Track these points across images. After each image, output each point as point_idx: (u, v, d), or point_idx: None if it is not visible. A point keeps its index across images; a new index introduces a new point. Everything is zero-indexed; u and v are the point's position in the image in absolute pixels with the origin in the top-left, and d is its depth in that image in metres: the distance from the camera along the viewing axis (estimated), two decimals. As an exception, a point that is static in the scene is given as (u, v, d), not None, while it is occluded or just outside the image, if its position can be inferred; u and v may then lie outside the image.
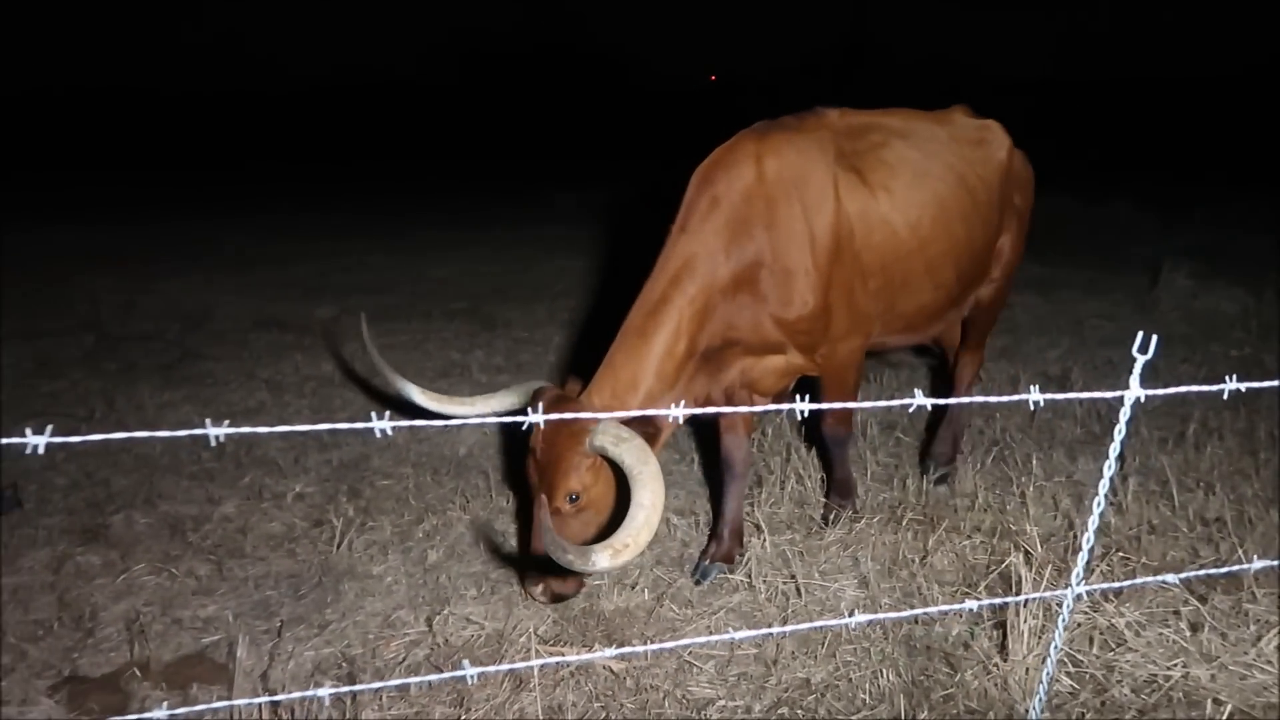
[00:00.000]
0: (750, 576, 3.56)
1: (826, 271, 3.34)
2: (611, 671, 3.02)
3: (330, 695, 2.14)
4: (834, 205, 3.35)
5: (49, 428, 1.46)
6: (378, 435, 2.01)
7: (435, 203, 12.48)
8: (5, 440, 1.34)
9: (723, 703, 2.92)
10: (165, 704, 2.77)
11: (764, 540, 3.72)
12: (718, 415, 3.62)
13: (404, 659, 3.15)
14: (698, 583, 3.58)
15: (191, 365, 5.88)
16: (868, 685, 2.97)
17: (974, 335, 4.41)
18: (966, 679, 2.98)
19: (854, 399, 3.70)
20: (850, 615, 3.21)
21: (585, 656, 3.01)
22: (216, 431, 1.51)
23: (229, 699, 2.83)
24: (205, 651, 3.19)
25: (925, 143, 3.77)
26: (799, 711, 2.88)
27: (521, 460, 3.21)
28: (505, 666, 2.13)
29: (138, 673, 3.03)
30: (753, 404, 3.63)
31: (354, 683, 2.98)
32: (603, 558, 2.60)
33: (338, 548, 3.76)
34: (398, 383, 3.28)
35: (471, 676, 1.78)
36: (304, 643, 3.22)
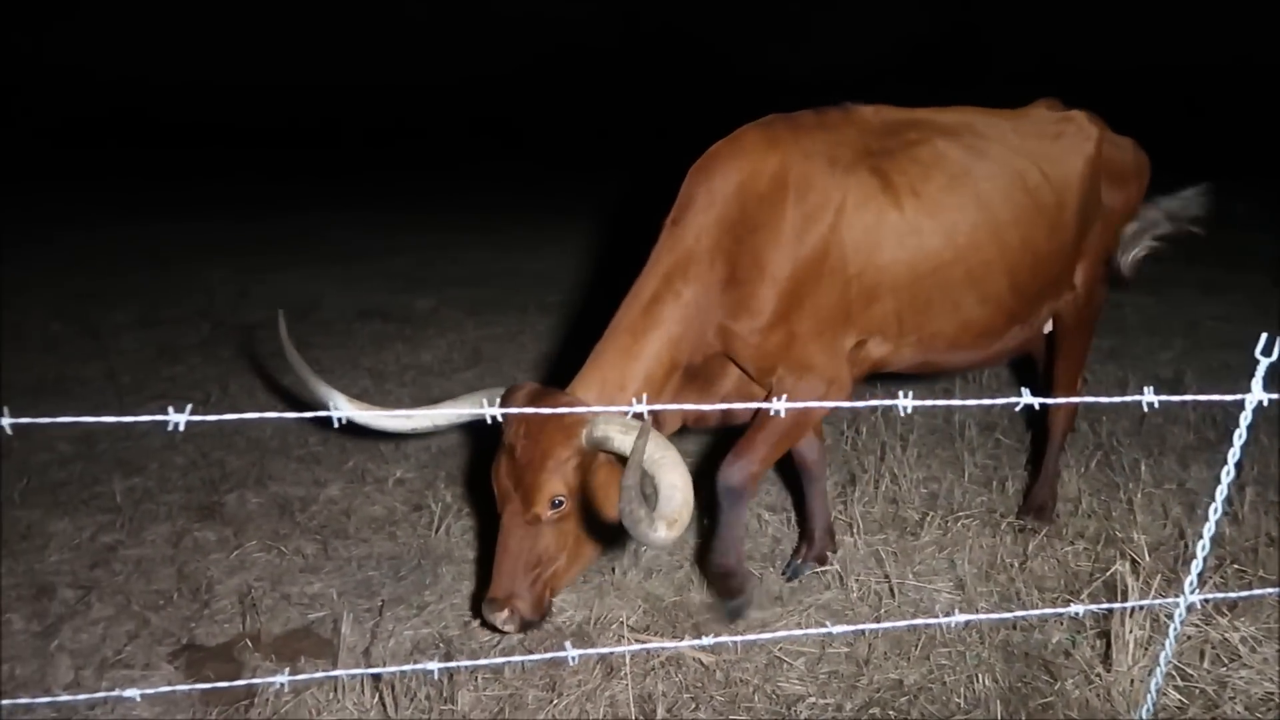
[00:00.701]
0: (842, 575, 3.53)
1: (796, 288, 2.99)
2: (701, 664, 3.04)
3: (435, 670, 2.21)
4: (831, 220, 3.01)
5: (188, 407, 1.56)
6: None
7: (531, 197, 12.67)
8: (149, 417, 1.43)
9: (813, 700, 2.90)
10: (279, 673, 2.91)
11: (856, 539, 3.68)
12: (747, 409, 3.20)
13: (498, 643, 3.23)
14: (789, 579, 3.55)
15: (300, 353, 6.11)
16: (963, 689, 2.92)
17: (1062, 366, 3.83)
18: (1067, 688, 2.90)
19: (776, 451, 3.16)
20: (947, 616, 3.19)
21: (679, 643, 3.03)
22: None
23: (334, 673, 2.95)
24: (311, 626, 3.33)
25: (976, 140, 3.37)
26: (891, 712, 2.85)
27: (490, 462, 2.98)
28: (603, 650, 2.17)
29: (249, 644, 3.18)
30: (746, 418, 3.26)
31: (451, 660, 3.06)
32: (660, 528, 2.37)
33: (436, 532, 3.88)
34: (319, 389, 2.95)
35: (572, 658, 1.82)
36: (404, 622, 3.33)
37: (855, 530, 3.73)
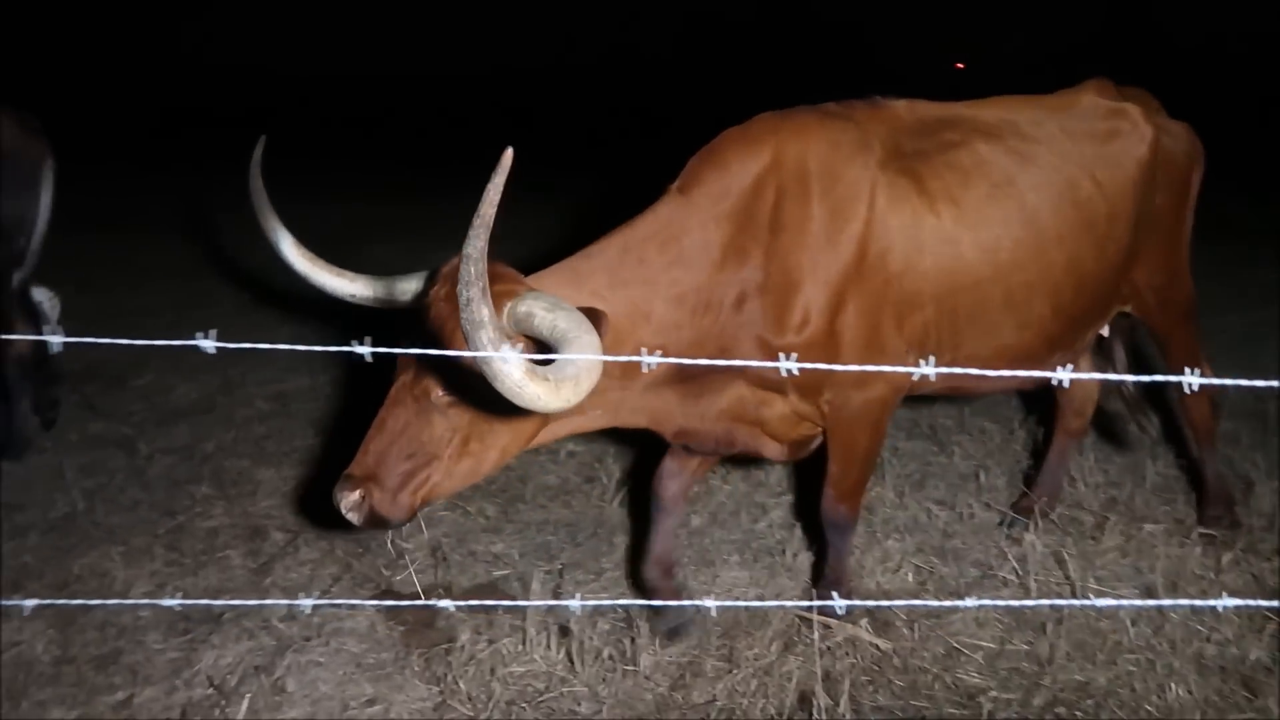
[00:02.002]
0: (1019, 574, 3.48)
1: (839, 291, 2.71)
2: (878, 648, 3.06)
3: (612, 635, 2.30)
4: (865, 213, 2.72)
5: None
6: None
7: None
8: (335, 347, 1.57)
9: (994, 694, 2.88)
10: (469, 622, 3.10)
11: (1035, 539, 3.61)
12: (752, 437, 2.95)
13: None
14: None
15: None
16: (1154, 698, 2.84)
17: (1173, 367, 3.50)
18: (1269, 705, 2.79)
19: (865, 469, 3.04)
20: (1132, 624, 3.11)
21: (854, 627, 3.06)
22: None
23: (523, 627, 3.12)
24: (497, 583, 3.52)
25: (1021, 142, 3.04)
26: (1077, 713, 2.81)
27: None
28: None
29: (442, 593, 3.39)
30: (763, 444, 2.98)
31: (630, 628, 3.18)
32: (536, 384, 1.94)
33: (610, 503, 4.01)
34: (273, 230, 2.73)
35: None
36: (583, 586, 3.47)
37: (1035, 529, 3.66)
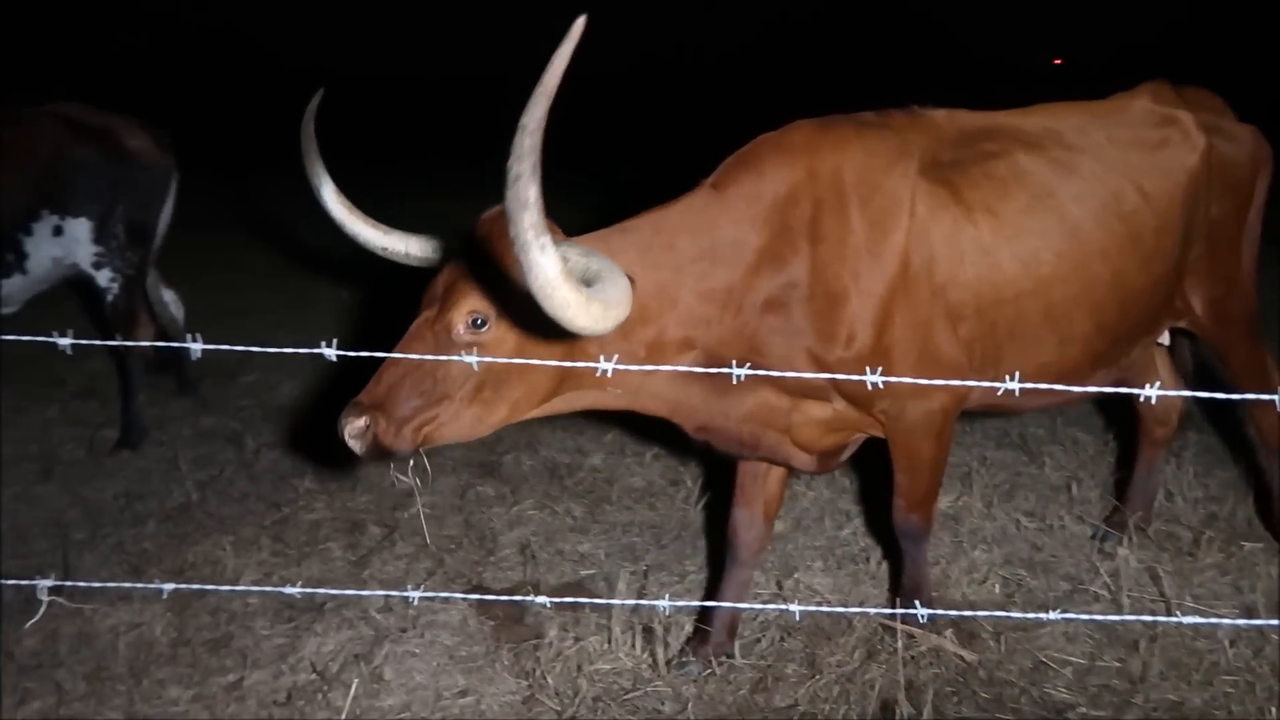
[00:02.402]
0: (1111, 589, 3.41)
1: (887, 302, 2.65)
2: (963, 659, 3.04)
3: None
4: (906, 222, 2.66)
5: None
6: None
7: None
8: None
9: (1083, 710, 2.85)
10: (557, 619, 3.19)
11: (1129, 555, 3.54)
12: (780, 446, 2.87)
13: (756, 617, 3.36)
14: (682, 669, 3.07)
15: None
16: (1252, 721, 2.77)
17: (1241, 379, 3.38)
18: (1378, 735, 2.69)
19: (933, 479, 2.99)
20: (1231, 645, 3.03)
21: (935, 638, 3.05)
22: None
23: (608, 626, 3.20)
24: (583, 582, 3.61)
25: (1064, 153, 2.94)
26: (1170, 733, 2.75)
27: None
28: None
29: (530, 590, 3.50)
30: (790, 454, 2.91)
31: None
32: (569, 288, 1.96)
33: (695, 507, 4.07)
34: (316, 175, 2.70)
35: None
36: (667, 587, 3.54)
37: (1128, 544, 3.58)
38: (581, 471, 4.42)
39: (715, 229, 2.63)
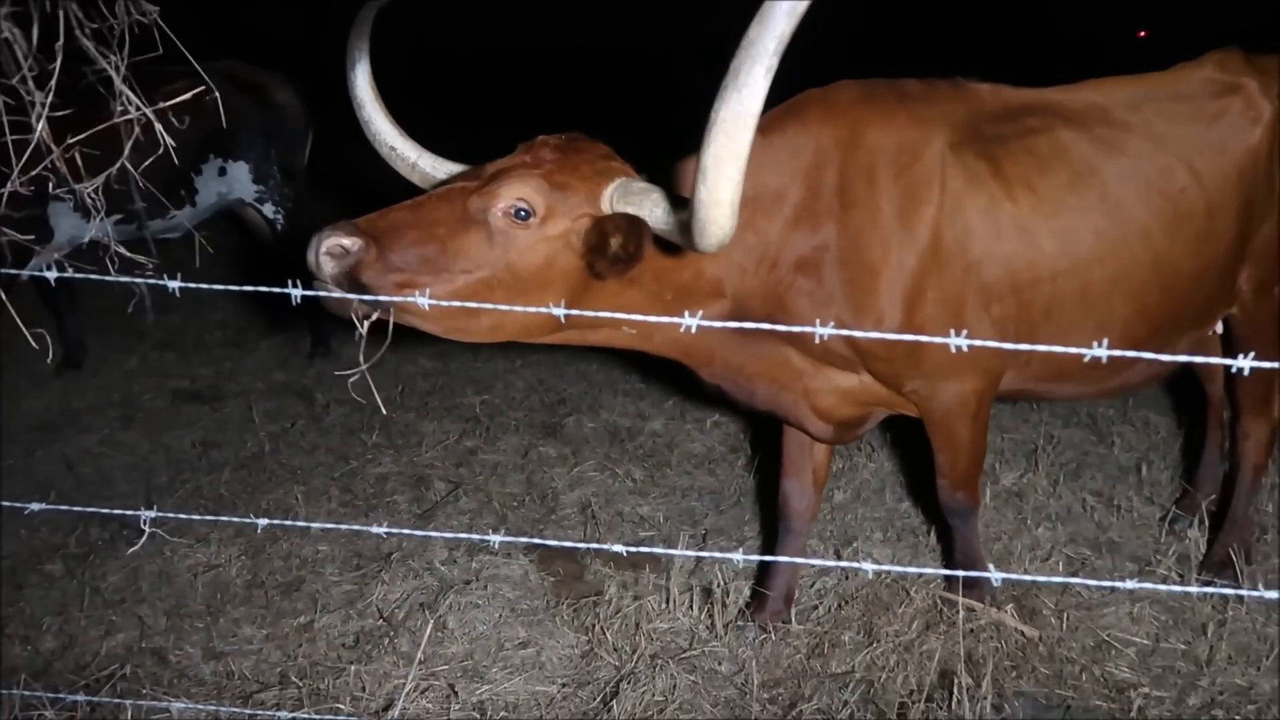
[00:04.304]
0: (1180, 573, 3.35)
1: (918, 278, 2.57)
2: (1023, 635, 3.02)
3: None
4: (939, 195, 2.57)
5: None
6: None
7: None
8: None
9: (1145, 690, 2.81)
10: (617, 581, 3.24)
11: (1199, 537, 3.46)
12: (789, 396, 2.78)
13: (813, 584, 3.37)
14: (746, 639, 3.08)
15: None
16: (1324, 708, 2.71)
17: (1247, 394, 3.23)
18: None
19: (974, 457, 2.94)
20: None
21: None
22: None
23: (666, 586, 3.24)
24: (643, 543, 3.64)
25: (1110, 130, 2.78)
26: (1235, 717, 2.71)
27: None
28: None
29: (591, 549, 3.55)
30: (805, 418, 2.85)
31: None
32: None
33: (753, 474, 4.09)
34: (356, 50, 2.53)
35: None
36: (725, 551, 3.56)
37: (1199, 526, 3.51)
38: (642, 435, 4.46)
39: (761, 175, 2.45)
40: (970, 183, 2.62)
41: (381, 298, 2.15)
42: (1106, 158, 2.76)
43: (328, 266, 2.12)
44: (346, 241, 2.11)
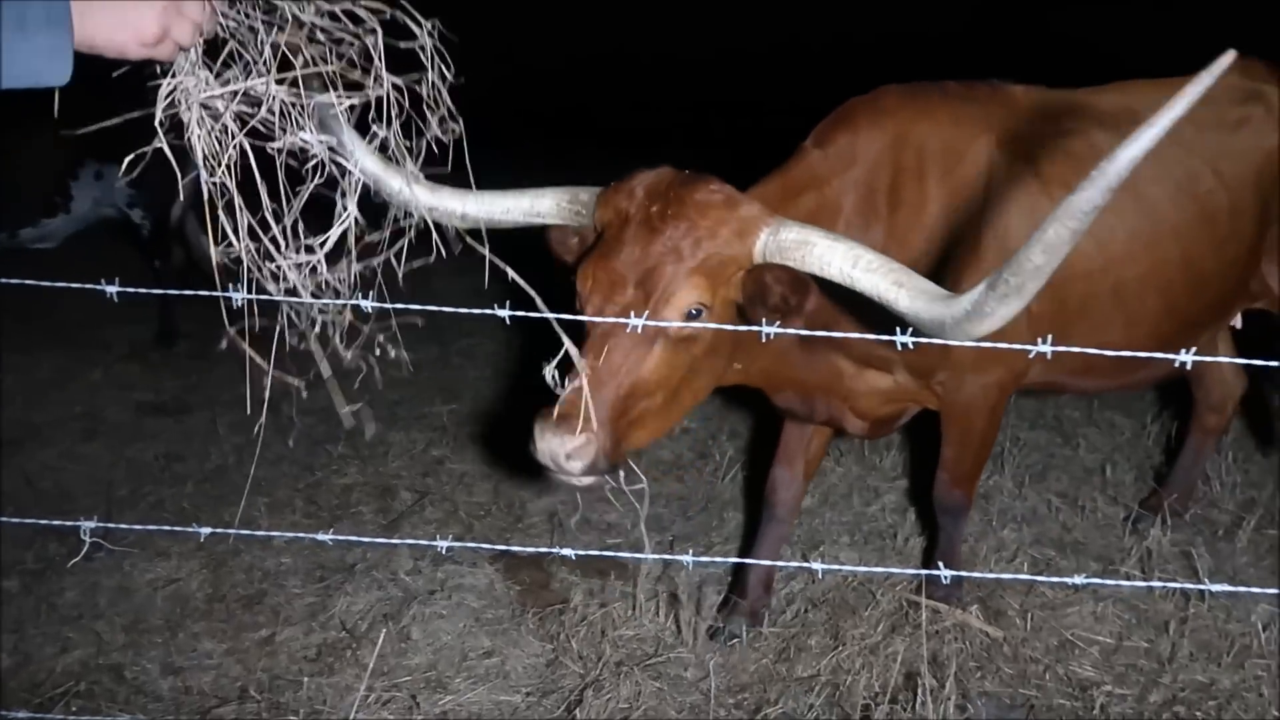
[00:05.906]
0: (1143, 571, 3.38)
1: (959, 275, 2.57)
2: (988, 635, 3.03)
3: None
4: (983, 197, 2.64)
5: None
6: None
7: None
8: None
9: (1109, 688, 2.82)
10: (583, 589, 3.22)
11: (1163, 536, 3.49)
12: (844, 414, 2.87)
13: (783, 588, 3.37)
14: (712, 638, 3.11)
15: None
16: (1284, 703, 2.73)
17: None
18: None
19: (981, 453, 3.00)
20: (1264, 628, 2.98)
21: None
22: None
23: (633, 594, 3.22)
24: (609, 550, 3.63)
25: None
26: (1197, 713, 2.72)
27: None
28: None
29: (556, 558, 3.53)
30: (845, 418, 2.90)
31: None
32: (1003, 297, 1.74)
33: (722, 480, 4.08)
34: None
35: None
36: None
37: (1163, 527, 3.53)
38: (611, 443, 4.44)
39: (826, 185, 2.57)
40: (1011, 182, 2.68)
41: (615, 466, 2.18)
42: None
43: (578, 468, 2.11)
44: (578, 444, 2.07)
